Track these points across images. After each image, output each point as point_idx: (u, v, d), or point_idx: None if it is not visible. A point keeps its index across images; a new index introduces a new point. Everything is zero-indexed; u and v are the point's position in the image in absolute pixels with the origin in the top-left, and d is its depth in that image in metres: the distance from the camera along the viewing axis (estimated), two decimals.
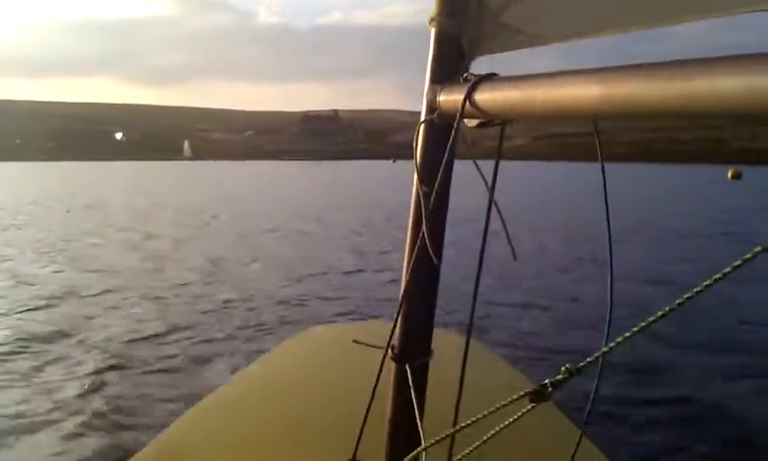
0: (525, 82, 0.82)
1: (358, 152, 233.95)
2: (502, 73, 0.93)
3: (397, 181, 44.48)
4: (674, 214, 23.97)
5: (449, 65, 1.07)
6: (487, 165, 1.01)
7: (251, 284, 10.44)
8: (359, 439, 1.21)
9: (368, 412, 1.19)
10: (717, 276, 0.56)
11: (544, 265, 12.40)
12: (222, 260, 12.87)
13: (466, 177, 1.33)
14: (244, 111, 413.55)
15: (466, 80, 0.99)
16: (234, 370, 5.34)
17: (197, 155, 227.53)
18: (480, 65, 1.08)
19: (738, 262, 0.54)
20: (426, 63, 1.10)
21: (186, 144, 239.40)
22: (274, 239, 16.64)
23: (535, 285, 10.59)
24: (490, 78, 0.93)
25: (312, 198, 33.85)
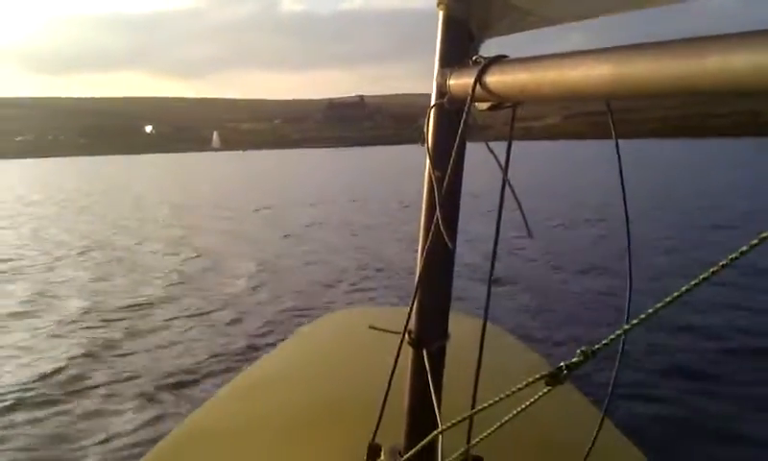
0: (535, 63, 0.80)
1: (386, 137, 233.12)
2: (512, 55, 0.92)
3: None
4: (730, 192, 22.27)
5: (458, 49, 1.06)
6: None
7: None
8: (378, 423, 1.22)
9: (386, 396, 1.20)
10: (738, 252, 0.55)
11: None
12: (272, 261, 12.00)
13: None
14: (270, 101, 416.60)
15: (475, 63, 0.98)
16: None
17: (225, 145, 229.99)
18: (488, 48, 1.06)
19: (755, 241, 0.53)
20: (435, 47, 1.09)
21: (215, 135, 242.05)
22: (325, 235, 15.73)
23: None
24: (499, 60, 0.91)
25: (343, 185, 33.95)
